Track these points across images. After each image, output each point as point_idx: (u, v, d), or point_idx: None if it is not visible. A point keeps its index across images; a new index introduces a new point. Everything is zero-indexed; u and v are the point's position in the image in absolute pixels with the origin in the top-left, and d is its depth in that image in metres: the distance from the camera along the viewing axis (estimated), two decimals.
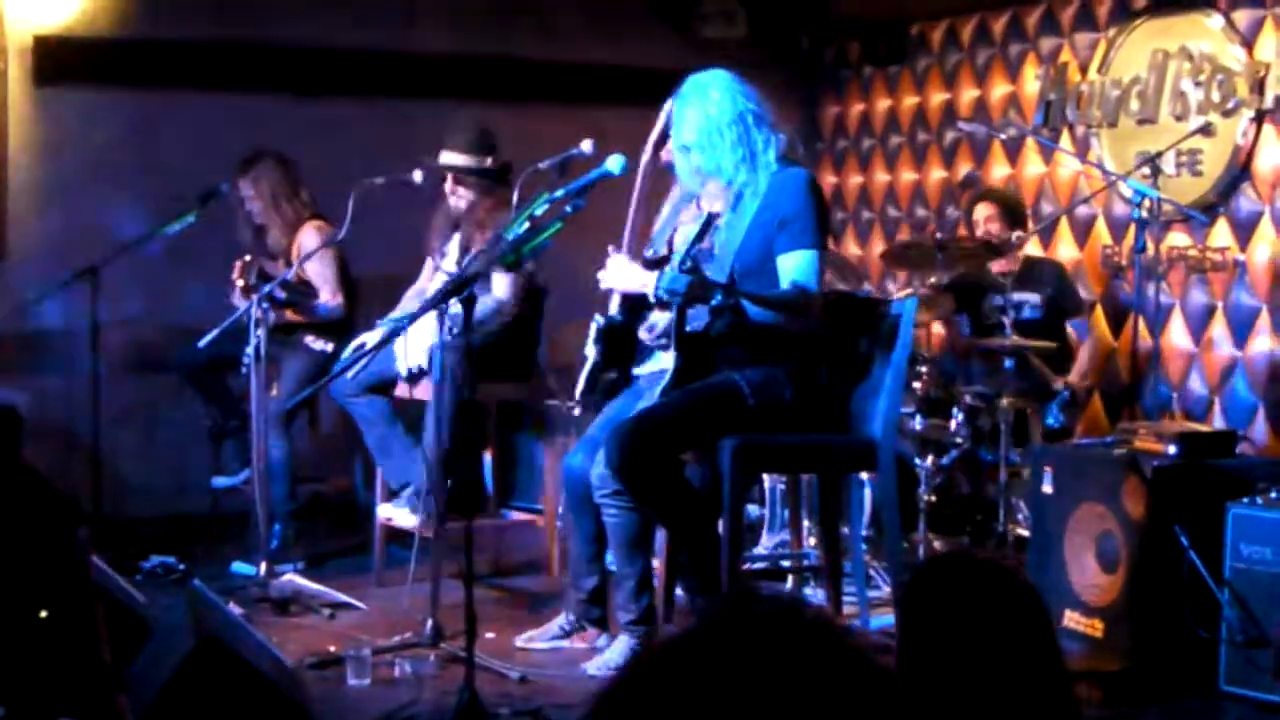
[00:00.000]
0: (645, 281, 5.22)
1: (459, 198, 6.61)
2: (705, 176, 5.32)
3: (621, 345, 5.53)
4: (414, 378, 6.50)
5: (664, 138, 5.71)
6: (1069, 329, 7.33)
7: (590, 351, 5.52)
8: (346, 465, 7.77)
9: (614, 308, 5.55)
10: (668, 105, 5.61)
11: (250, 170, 7.20)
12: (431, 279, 6.82)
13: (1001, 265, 7.21)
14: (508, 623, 6.11)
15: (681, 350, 5.17)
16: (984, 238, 7.17)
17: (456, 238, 6.60)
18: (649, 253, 5.57)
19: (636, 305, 5.50)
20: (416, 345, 6.40)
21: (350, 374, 6.45)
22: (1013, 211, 7.33)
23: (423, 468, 6.22)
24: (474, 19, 8.67)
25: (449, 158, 6.58)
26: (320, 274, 7.12)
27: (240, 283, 6.83)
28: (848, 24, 9.15)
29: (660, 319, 5.39)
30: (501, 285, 6.51)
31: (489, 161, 6.60)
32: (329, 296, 7.14)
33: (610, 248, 5.47)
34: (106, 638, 3.13)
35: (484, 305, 6.41)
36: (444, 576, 5.93)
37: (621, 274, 5.37)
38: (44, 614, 3.02)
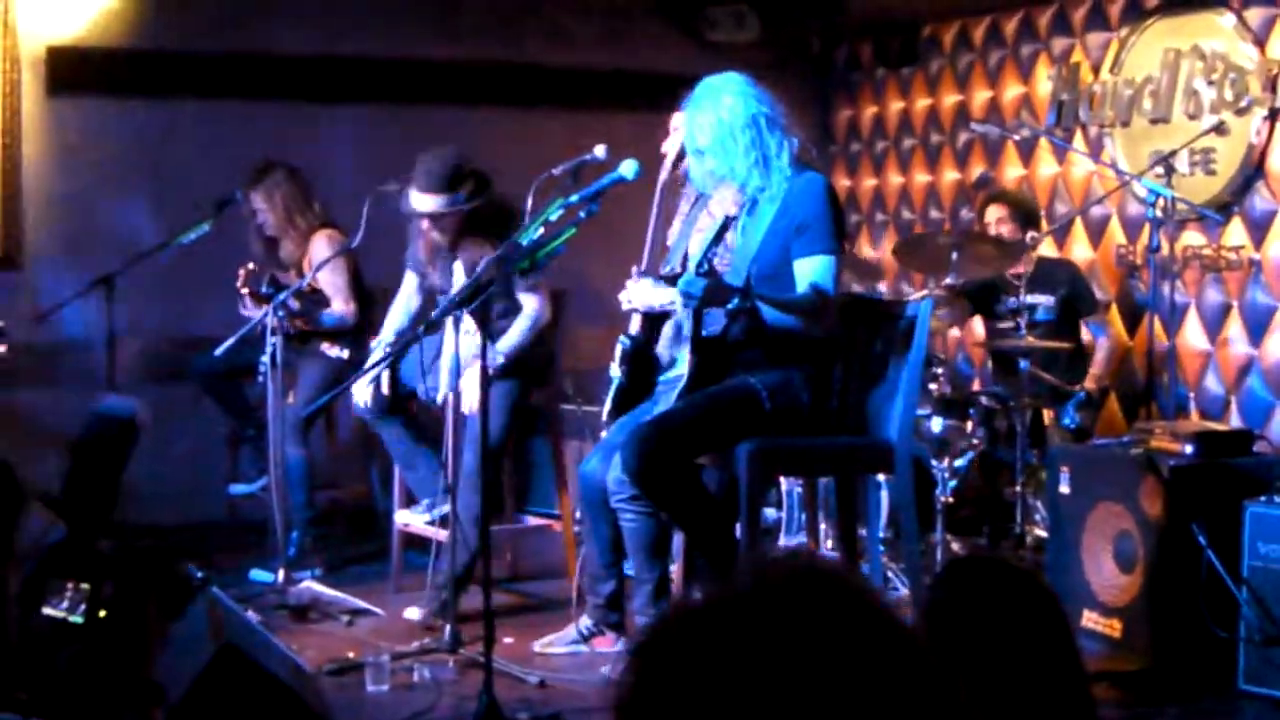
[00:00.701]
0: (672, 297, 5.23)
1: (443, 232, 6.34)
2: (718, 181, 5.32)
3: (646, 364, 5.55)
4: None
5: (681, 156, 5.72)
6: (1084, 329, 7.32)
7: (616, 373, 5.55)
8: (364, 472, 7.78)
9: (635, 328, 5.58)
10: (676, 126, 5.64)
11: (262, 183, 7.20)
12: (417, 296, 6.67)
13: (1015, 267, 7.20)
14: (525, 628, 6.11)
15: (697, 353, 5.17)
16: (996, 239, 7.17)
17: (459, 264, 6.44)
18: (665, 269, 5.58)
19: (658, 322, 5.53)
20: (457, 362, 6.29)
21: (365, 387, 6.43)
22: (1025, 212, 7.33)
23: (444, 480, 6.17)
24: (485, 25, 8.68)
25: (419, 201, 6.23)
26: (332, 283, 7.12)
27: (245, 291, 6.83)
28: (859, 26, 9.15)
29: (682, 321, 5.42)
30: (531, 302, 6.37)
31: (461, 194, 6.23)
32: (340, 305, 7.15)
33: (633, 269, 5.50)
34: (155, 655, 3.16)
35: (520, 328, 6.35)
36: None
37: (645, 293, 5.39)
38: (103, 614, 3.03)
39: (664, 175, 5.82)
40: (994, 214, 7.30)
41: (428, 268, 6.52)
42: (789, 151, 5.19)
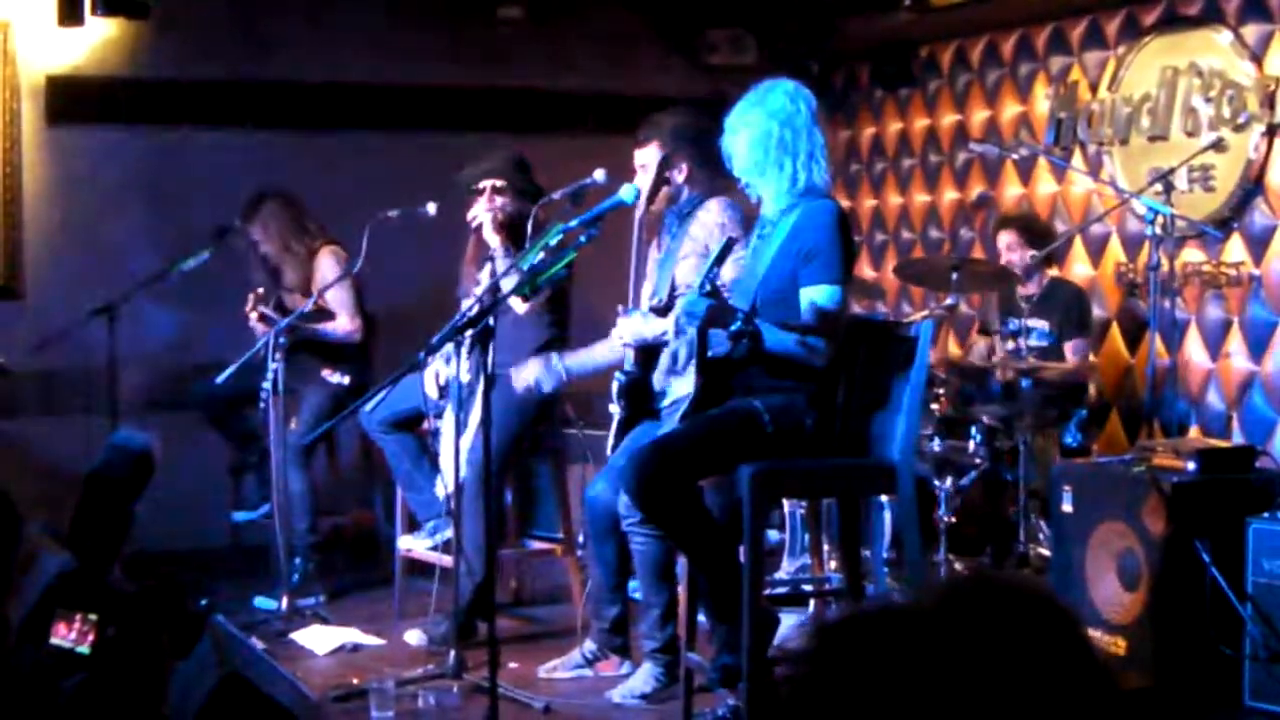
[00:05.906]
0: (664, 328, 5.24)
1: (496, 209, 6.25)
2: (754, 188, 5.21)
3: (643, 396, 5.58)
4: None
5: (656, 189, 5.72)
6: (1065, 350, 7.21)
7: (615, 408, 5.57)
8: (367, 498, 7.78)
9: (629, 362, 5.59)
10: (643, 164, 5.69)
11: (257, 214, 7.20)
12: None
13: (1026, 288, 7.19)
14: (530, 652, 6.11)
15: (703, 375, 5.14)
16: (1008, 265, 7.15)
17: (488, 267, 6.38)
18: (653, 300, 5.59)
19: (652, 355, 5.55)
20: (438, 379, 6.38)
21: (370, 406, 6.43)
22: (1036, 234, 7.31)
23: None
24: (486, 51, 8.69)
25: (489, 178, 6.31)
26: (338, 300, 7.12)
27: (254, 315, 6.83)
28: (856, 48, 9.16)
29: (682, 349, 5.43)
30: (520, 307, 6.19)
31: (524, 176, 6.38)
32: (346, 321, 7.14)
33: (619, 308, 5.52)
34: (167, 693, 3.16)
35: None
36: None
37: (636, 327, 5.43)
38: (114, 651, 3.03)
39: (639, 213, 5.80)
40: (1004, 240, 7.30)
41: (467, 283, 6.46)
42: (812, 176, 5.06)
